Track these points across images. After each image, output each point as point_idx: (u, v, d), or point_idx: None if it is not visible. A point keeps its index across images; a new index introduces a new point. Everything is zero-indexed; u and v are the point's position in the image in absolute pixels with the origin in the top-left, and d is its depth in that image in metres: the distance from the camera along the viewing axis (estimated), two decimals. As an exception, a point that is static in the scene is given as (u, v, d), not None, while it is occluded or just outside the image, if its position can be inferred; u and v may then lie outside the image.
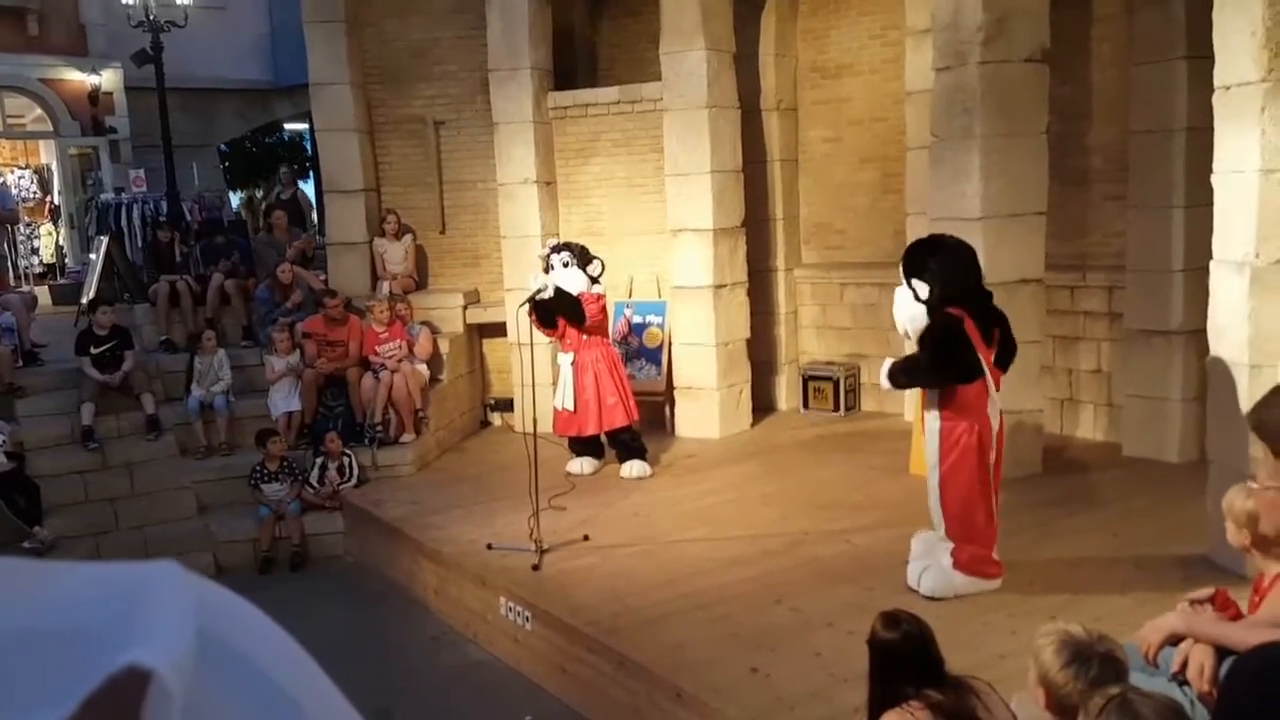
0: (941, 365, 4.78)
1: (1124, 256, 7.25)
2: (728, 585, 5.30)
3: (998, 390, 4.83)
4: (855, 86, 8.85)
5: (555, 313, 7.00)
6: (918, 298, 4.76)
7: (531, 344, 6.58)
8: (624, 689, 4.65)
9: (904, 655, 2.52)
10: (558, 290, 6.93)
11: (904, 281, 4.85)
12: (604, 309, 7.33)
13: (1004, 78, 6.33)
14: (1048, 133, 6.55)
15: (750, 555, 5.71)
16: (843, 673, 4.18)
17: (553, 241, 7.59)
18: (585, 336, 7.18)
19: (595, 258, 7.22)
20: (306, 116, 15.79)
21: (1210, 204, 5.09)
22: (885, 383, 5.05)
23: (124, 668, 0.33)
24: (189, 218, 11.17)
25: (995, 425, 4.81)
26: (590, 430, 7.28)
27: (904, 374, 4.98)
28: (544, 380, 7.48)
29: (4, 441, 7.19)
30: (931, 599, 4.78)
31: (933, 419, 4.82)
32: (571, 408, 7.23)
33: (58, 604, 0.36)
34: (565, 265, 7.07)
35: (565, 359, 7.27)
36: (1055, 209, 6.86)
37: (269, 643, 0.40)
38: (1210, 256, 5.10)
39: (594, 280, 7.15)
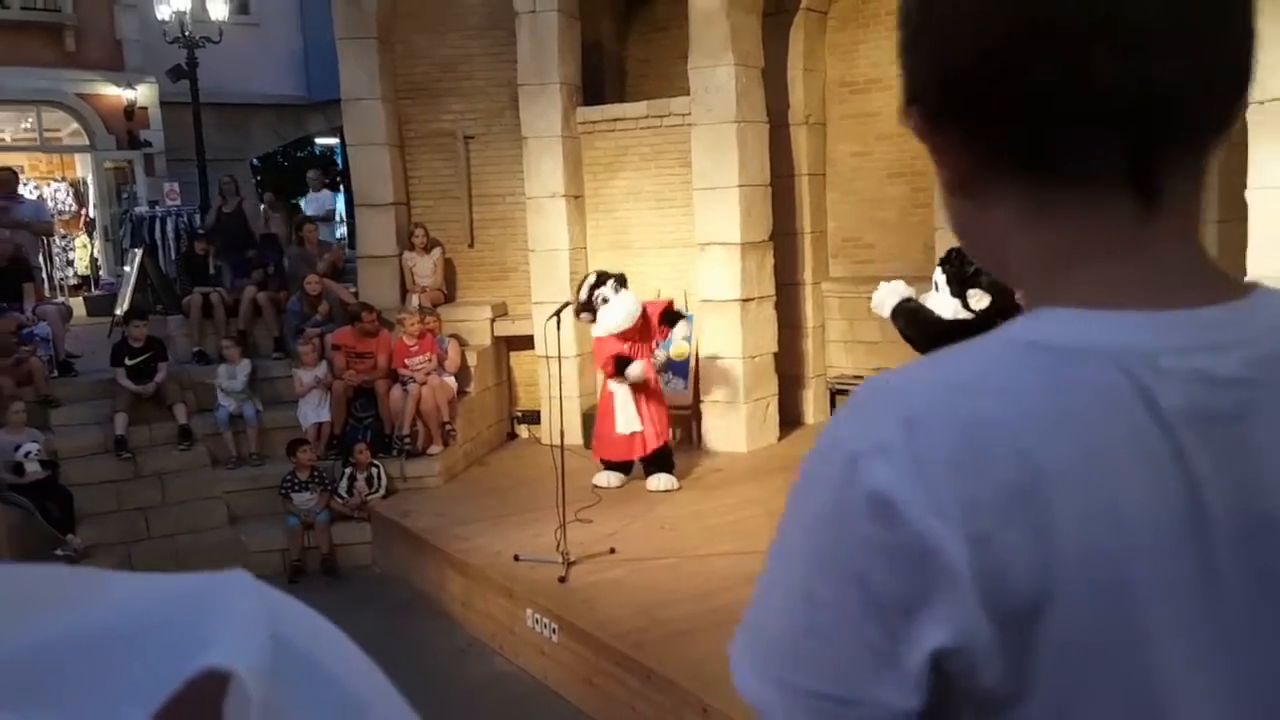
0: (944, 343, 4.69)
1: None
2: (755, 600, 5.28)
3: None
4: (884, 101, 8.84)
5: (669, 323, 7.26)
6: (967, 306, 4.67)
7: (560, 357, 6.61)
8: (650, 703, 4.64)
9: None
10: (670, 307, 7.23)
11: (944, 288, 4.75)
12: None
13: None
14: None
15: (777, 570, 5.67)
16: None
17: (596, 271, 7.36)
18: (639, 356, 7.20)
19: (623, 274, 7.27)
20: (338, 131, 15.99)
21: (1243, 219, 5.04)
22: (882, 306, 4.89)
23: (203, 670, 0.34)
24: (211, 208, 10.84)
25: None
26: (642, 453, 7.30)
27: (906, 317, 4.80)
28: (570, 393, 7.50)
29: (39, 450, 7.30)
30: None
31: None
32: (641, 428, 7.22)
33: (132, 607, 0.37)
34: (616, 291, 7.01)
35: (621, 385, 7.17)
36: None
37: (338, 649, 0.41)
38: (1245, 273, 5.05)
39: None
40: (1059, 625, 0.54)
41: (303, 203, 12.91)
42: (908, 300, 4.88)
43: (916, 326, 4.77)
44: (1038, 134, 0.60)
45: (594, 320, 7.07)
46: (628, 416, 7.21)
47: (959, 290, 4.67)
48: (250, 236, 9.94)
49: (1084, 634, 0.55)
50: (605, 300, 7.02)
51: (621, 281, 7.12)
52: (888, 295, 4.97)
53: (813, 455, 0.60)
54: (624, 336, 7.09)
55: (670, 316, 7.38)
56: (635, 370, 7.08)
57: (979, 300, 4.62)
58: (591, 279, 7.20)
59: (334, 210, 11.82)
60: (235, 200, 10.07)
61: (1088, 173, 0.60)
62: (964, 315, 4.62)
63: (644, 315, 7.19)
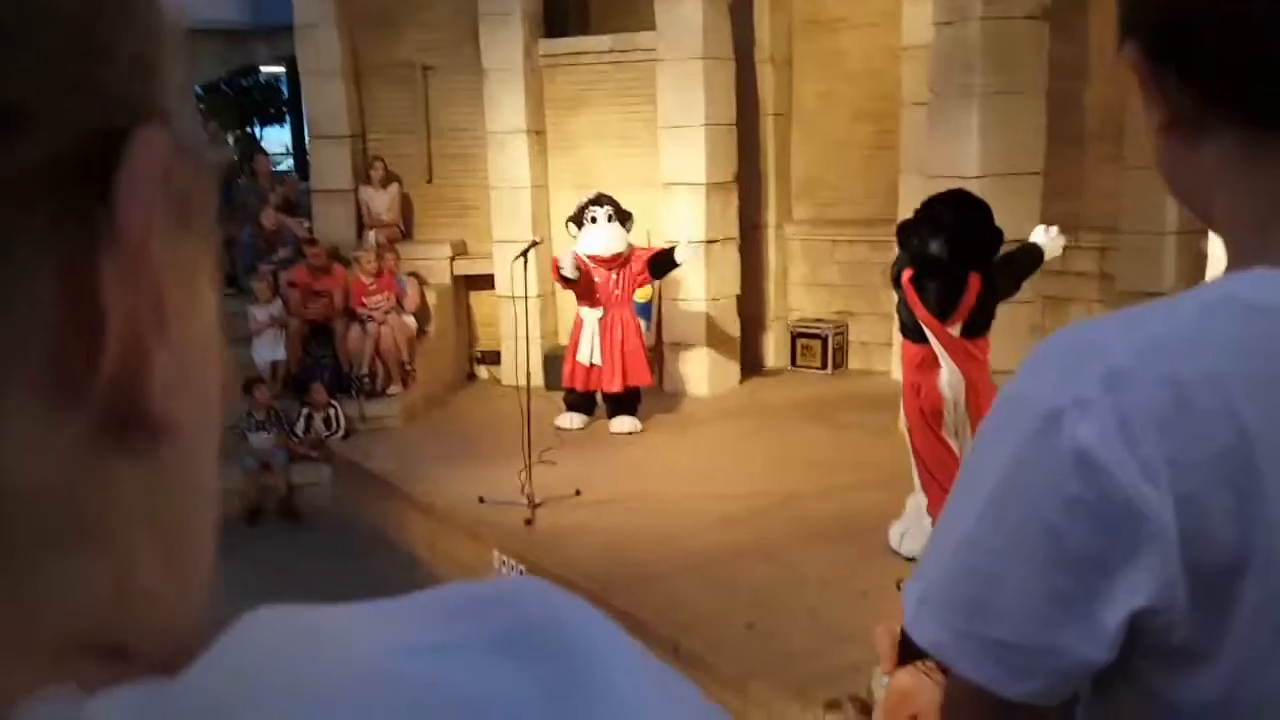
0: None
1: (1117, 218, 7.24)
2: (722, 543, 5.33)
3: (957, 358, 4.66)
4: (852, 40, 8.73)
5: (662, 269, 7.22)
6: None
7: (526, 297, 6.52)
8: (619, 644, 4.67)
9: None
10: (664, 253, 7.14)
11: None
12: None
13: (1004, 34, 6.26)
14: (1045, 91, 6.51)
15: (742, 513, 5.73)
16: (837, 630, 4.22)
17: (592, 192, 7.45)
18: (618, 293, 7.14)
19: (629, 213, 7.23)
20: (284, 60, 15.44)
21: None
22: None
23: None
24: None
25: (950, 394, 4.67)
26: (613, 386, 7.28)
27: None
28: (534, 334, 7.42)
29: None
30: (912, 560, 4.82)
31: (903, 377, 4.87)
32: (599, 362, 7.22)
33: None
34: (609, 219, 7.05)
35: (592, 314, 7.22)
36: (1049, 168, 6.83)
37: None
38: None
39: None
40: (1255, 588, 0.55)
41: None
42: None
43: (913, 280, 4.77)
44: (1255, 80, 0.57)
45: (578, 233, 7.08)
46: (590, 348, 7.24)
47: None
48: None
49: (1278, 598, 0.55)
50: (594, 220, 7.03)
51: (621, 216, 7.13)
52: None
53: (1000, 407, 0.60)
54: (604, 265, 7.07)
55: (660, 265, 7.33)
56: (684, 252, 7.27)
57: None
58: (591, 195, 7.28)
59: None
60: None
61: None
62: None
63: (627, 258, 7.14)
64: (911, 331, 4.72)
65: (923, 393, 4.71)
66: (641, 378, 7.33)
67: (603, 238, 7.04)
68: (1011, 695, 0.59)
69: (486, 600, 0.26)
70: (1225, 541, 0.54)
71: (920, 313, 4.61)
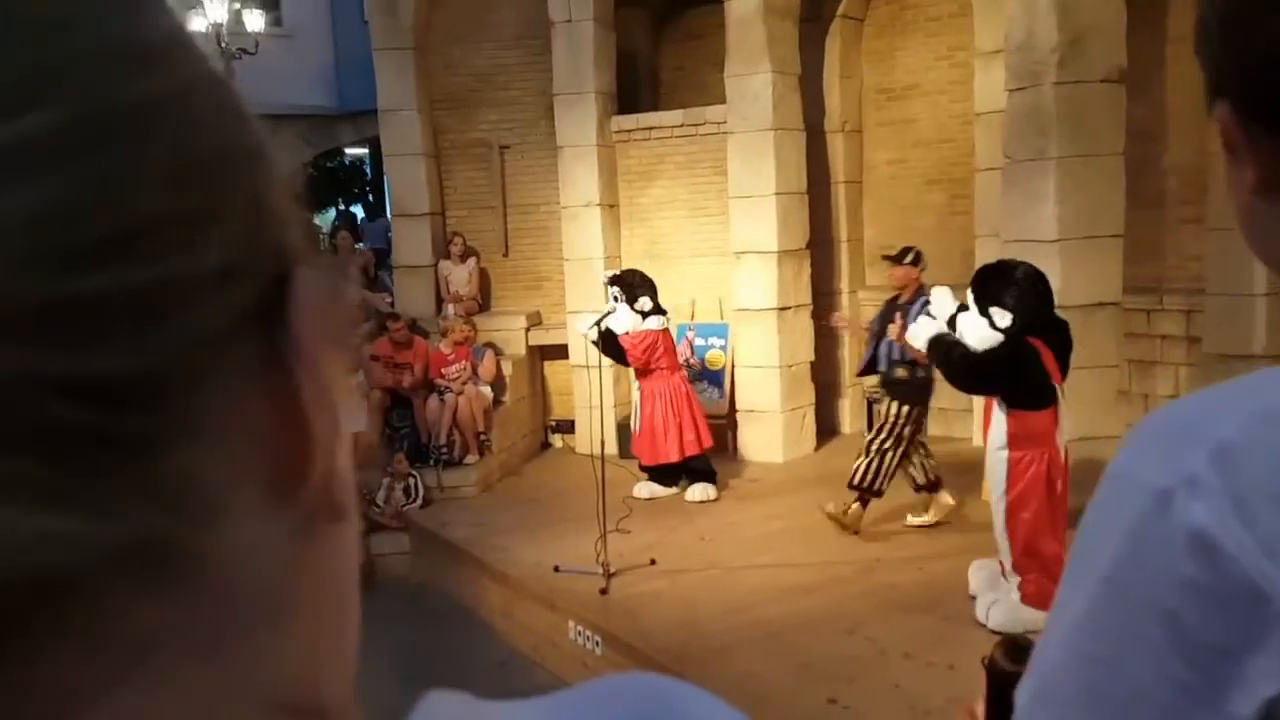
0: (976, 379, 4.73)
1: (1201, 280, 7.06)
2: (798, 613, 5.23)
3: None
4: (921, 107, 8.78)
5: (606, 353, 6.92)
6: (994, 325, 4.67)
7: (600, 366, 6.58)
8: (696, 717, 4.59)
9: None
10: (605, 333, 6.84)
11: (973, 306, 4.76)
12: (650, 348, 7.11)
13: (1080, 98, 6.23)
14: (1123, 154, 6.43)
15: (820, 582, 5.63)
16: (924, 705, 4.09)
17: (610, 272, 7.56)
18: (659, 366, 7.14)
19: (644, 294, 7.07)
20: (368, 141, 16.03)
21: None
22: (918, 336, 4.94)
23: None
24: None
25: (1063, 455, 4.70)
26: (669, 458, 7.24)
27: (942, 354, 4.83)
28: (608, 402, 7.47)
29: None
30: (998, 634, 4.66)
31: (999, 447, 4.71)
32: (637, 431, 7.26)
33: None
34: (615, 300, 7.06)
35: (636, 386, 7.32)
36: (1130, 231, 6.72)
37: None
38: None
39: (645, 315, 7.05)
40: None
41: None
42: (943, 335, 4.88)
43: (950, 363, 4.78)
44: None
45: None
46: (635, 418, 7.31)
47: (984, 308, 4.66)
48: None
49: None
50: (615, 299, 7.07)
51: (631, 293, 7.02)
52: (923, 328, 4.98)
53: (1105, 490, 0.58)
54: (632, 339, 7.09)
55: (629, 290, 7.14)
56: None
57: (1001, 318, 4.60)
58: (613, 274, 7.35)
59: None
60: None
61: None
62: (991, 340, 4.62)
63: (665, 337, 7.17)
64: (1033, 397, 4.63)
65: (1049, 458, 4.62)
66: (692, 446, 7.20)
67: (624, 323, 7.03)
68: None
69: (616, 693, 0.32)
70: None
71: (1057, 375, 4.59)
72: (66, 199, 0.21)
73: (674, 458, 7.24)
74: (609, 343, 6.91)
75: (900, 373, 6.16)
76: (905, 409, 6.17)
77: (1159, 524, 0.54)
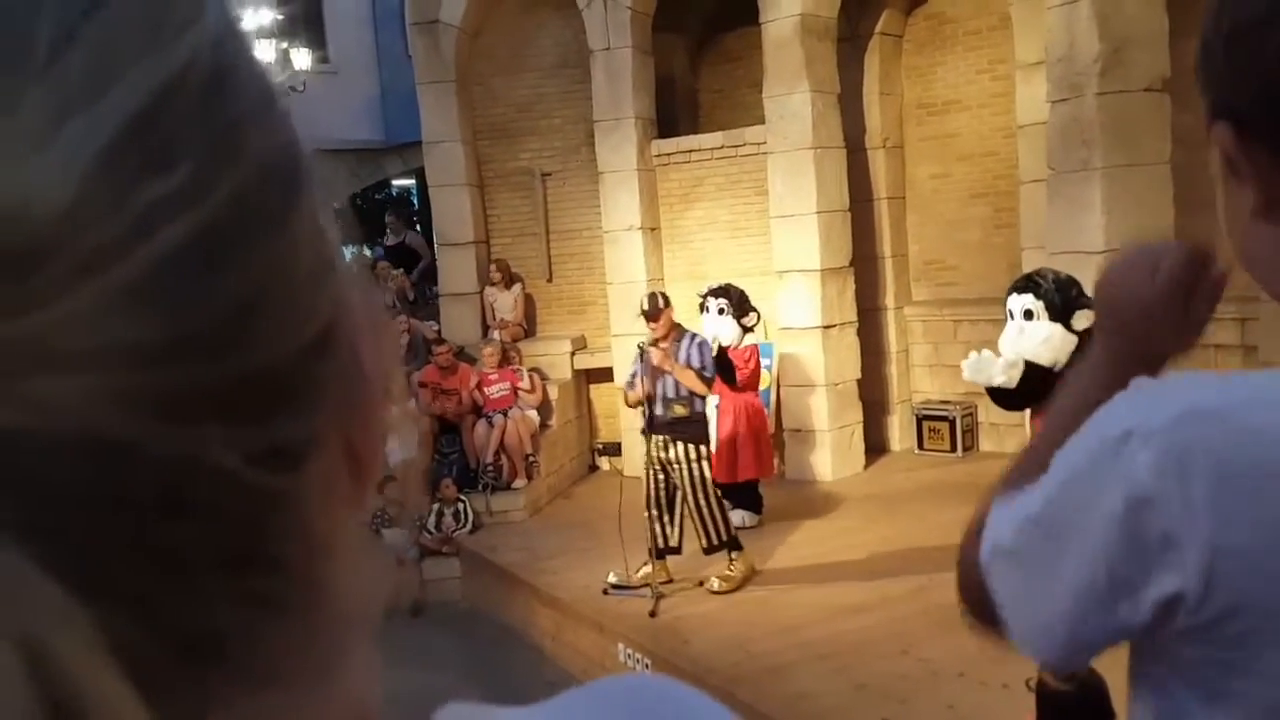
0: None
1: (1255, 288, 6.88)
2: (850, 633, 5.18)
3: None
4: (963, 122, 8.73)
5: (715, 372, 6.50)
6: (1070, 329, 4.51)
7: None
8: (748, 740, 4.57)
9: (1076, 709, 2.41)
10: (720, 351, 6.59)
11: (1043, 313, 4.61)
12: (757, 364, 7.08)
13: (1123, 108, 6.16)
14: (1170, 162, 6.34)
15: (871, 602, 5.57)
16: (978, 726, 4.03)
17: (712, 283, 7.31)
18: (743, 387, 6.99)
19: (753, 309, 6.99)
20: (414, 172, 16.29)
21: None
22: (978, 375, 4.75)
23: None
24: None
25: None
26: (718, 477, 7.13)
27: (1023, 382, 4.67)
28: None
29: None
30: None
31: None
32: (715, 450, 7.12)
33: None
34: (721, 312, 6.86)
35: (711, 402, 7.05)
36: (1180, 239, 6.59)
37: None
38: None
39: (748, 330, 6.97)
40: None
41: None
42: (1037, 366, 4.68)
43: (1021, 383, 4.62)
44: None
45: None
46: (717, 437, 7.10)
47: (1061, 315, 4.52)
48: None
49: None
50: (706, 310, 6.93)
51: (741, 307, 6.88)
52: (983, 369, 4.69)
53: (1098, 413, 0.66)
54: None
55: (740, 304, 7.00)
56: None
57: (1084, 320, 4.45)
58: (718, 285, 7.12)
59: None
60: (401, 235, 12.01)
61: None
62: (1066, 350, 4.47)
63: (754, 362, 7.06)
64: None
65: None
66: (748, 471, 7.04)
67: (710, 328, 6.85)
68: None
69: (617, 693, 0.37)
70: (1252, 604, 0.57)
71: None
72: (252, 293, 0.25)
73: (752, 475, 7.10)
74: (719, 361, 6.51)
75: (679, 409, 5.82)
76: (696, 448, 5.87)
77: (1111, 460, 0.61)
